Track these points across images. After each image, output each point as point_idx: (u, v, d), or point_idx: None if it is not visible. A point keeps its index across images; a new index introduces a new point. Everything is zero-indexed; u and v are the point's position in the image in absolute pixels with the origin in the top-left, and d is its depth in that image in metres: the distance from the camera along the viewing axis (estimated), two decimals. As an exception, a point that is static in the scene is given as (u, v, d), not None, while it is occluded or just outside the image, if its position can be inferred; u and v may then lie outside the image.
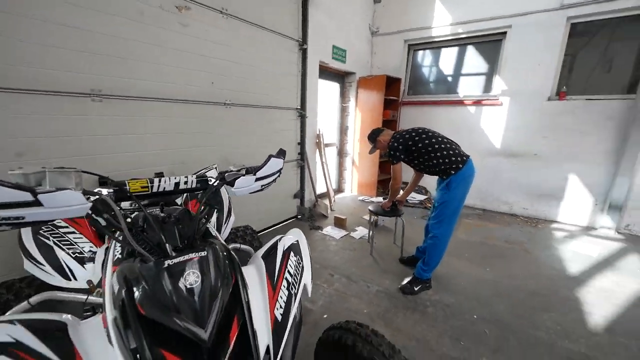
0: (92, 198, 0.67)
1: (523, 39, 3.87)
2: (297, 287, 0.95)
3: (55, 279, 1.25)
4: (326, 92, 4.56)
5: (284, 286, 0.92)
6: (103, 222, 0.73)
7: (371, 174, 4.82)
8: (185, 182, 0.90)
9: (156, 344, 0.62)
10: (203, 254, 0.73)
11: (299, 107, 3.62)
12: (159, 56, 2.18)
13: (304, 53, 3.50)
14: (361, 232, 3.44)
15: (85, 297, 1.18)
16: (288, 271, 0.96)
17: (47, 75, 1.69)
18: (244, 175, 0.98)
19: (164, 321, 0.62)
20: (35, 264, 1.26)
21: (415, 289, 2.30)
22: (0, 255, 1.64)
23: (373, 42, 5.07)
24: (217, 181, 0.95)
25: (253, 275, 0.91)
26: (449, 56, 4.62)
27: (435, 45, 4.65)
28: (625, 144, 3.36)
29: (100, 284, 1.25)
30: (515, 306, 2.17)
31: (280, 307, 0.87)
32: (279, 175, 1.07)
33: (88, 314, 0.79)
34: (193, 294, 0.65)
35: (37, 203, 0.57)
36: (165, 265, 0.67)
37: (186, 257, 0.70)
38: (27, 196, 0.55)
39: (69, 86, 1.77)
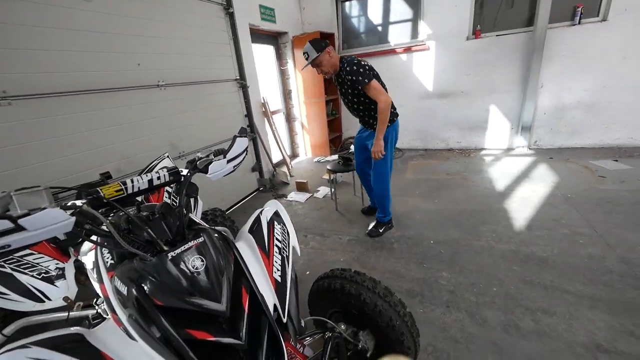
0: (71, 211, 0.64)
1: (440, -19, 4.03)
2: (287, 250, 1.06)
3: (26, 305, 1.18)
4: (263, 57, 4.33)
5: (276, 252, 1.01)
6: (94, 237, 0.71)
7: (322, 134, 4.92)
8: (159, 178, 0.90)
9: (180, 326, 0.66)
10: (200, 239, 0.76)
11: (239, 77, 3.43)
12: (68, 42, 1.87)
13: (231, 17, 3.23)
14: (323, 191, 3.61)
15: (65, 314, 1.15)
16: (276, 238, 1.04)
17: None
18: (213, 160, 1.00)
19: (182, 305, 0.66)
20: None
21: (380, 230, 2.58)
22: None
23: (299, -4, 4.82)
24: (190, 171, 0.96)
25: (245, 249, 0.98)
26: (376, 5, 4.64)
27: (362, -6, 4.61)
28: (529, 72, 3.91)
29: (81, 297, 1.22)
30: (461, 225, 2.60)
31: (277, 270, 0.96)
32: (246, 154, 1.10)
33: (96, 321, 0.79)
34: (202, 275, 0.70)
35: (19, 228, 0.54)
36: (169, 257, 0.70)
37: (186, 246, 0.73)
38: (7, 224, 0.52)
39: None
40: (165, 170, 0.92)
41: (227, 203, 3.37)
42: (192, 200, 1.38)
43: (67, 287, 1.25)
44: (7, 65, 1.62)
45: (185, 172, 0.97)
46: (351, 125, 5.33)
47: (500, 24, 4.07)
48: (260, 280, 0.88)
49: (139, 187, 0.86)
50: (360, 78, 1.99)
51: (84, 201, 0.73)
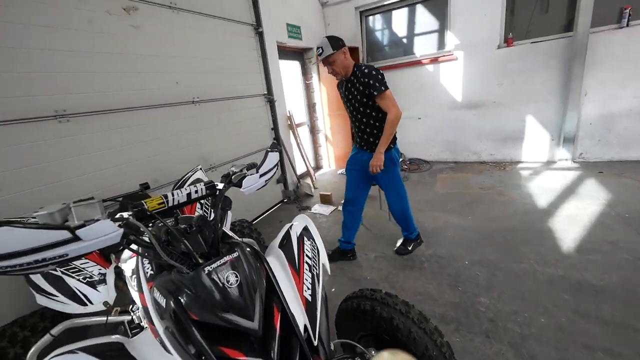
0: (119, 223, 0.69)
1: (469, -10, 3.95)
2: (317, 267, 1.03)
3: (71, 307, 1.27)
4: (289, 72, 4.43)
5: (306, 269, 0.98)
6: (134, 246, 0.75)
7: (346, 146, 4.88)
8: (196, 192, 0.93)
9: (213, 343, 0.67)
10: (235, 254, 0.78)
11: (266, 92, 3.51)
12: (116, 64, 2.02)
13: (260, 36, 3.34)
14: (348, 205, 3.53)
15: (104, 318, 1.19)
16: (306, 255, 1.02)
17: (3, 105, 1.53)
18: (246, 174, 1.02)
19: (216, 321, 0.67)
20: (47, 297, 1.28)
21: (409, 248, 2.45)
22: (2, 299, 1.54)
23: (325, 14, 4.93)
24: (225, 185, 0.99)
25: (276, 264, 0.96)
26: (400, 18, 4.62)
27: (386, 9, 4.62)
28: (570, 80, 3.65)
29: (119, 302, 1.26)
30: (499, 245, 2.40)
31: (308, 288, 0.94)
32: (277, 168, 1.11)
33: (135, 331, 0.82)
34: (236, 292, 0.71)
35: (76, 238, 0.59)
36: (206, 271, 0.71)
37: (221, 261, 0.75)
38: (66, 234, 0.58)
39: (30, 111, 1.62)
40: (202, 184, 0.95)
41: (253, 214, 3.39)
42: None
43: (107, 292, 1.32)
44: (67, 87, 1.77)
45: (220, 186, 0.99)
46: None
47: (534, 30, 3.88)
48: (291, 299, 0.87)
49: (178, 200, 0.89)
50: (377, 84, 1.88)
51: (130, 213, 0.78)
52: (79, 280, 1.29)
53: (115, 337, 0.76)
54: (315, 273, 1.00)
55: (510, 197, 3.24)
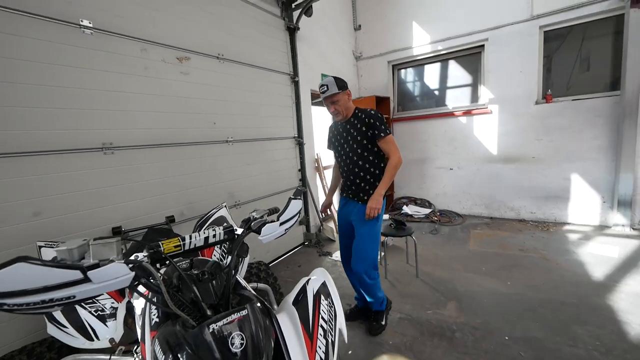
0: (131, 265, 0.69)
1: (501, 49, 4.02)
2: (333, 333, 0.92)
3: (78, 341, 1.23)
4: (320, 117, 4.62)
5: (320, 334, 0.89)
6: (142, 289, 0.74)
7: (373, 194, 4.78)
8: (214, 236, 0.91)
9: None
10: (244, 313, 0.72)
11: (297, 135, 3.64)
12: (161, 104, 2.22)
13: (296, 85, 3.58)
14: (372, 255, 3.33)
15: (108, 357, 1.15)
16: (322, 317, 0.93)
17: (57, 136, 1.69)
18: (267, 221, 0.99)
19: None
20: (58, 327, 1.26)
21: (384, 322, 2.11)
22: (16, 323, 1.55)
23: (358, 66, 5.24)
24: (244, 231, 0.96)
25: (287, 324, 0.87)
26: (432, 72, 4.77)
27: (418, 63, 4.81)
28: (621, 140, 3.40)
29: (126, 340, 1.20)
30: (546, 321, 2.06)
31: (320, 358, 0.84)
32: (299, 217, 1.07)
33: None
34: (240, 357, 0.66)
35: (86, 279, 0.59)
36: (210, 330, 0.66)
37: (229, 319, 0.70)
38: (77, 274, 0.58)
39: (81, 143, 1.79)
40: (221, 228, 0.93)
41: (271, 255, 3.30)
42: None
43: (115, 329, 1.28)
44: (116, 123, 1.95)
45: (239, 231, 0.96)
46: (405, 183, 5.14)
47: (575, 87, 3.77)
48: None
49: (195, 244, 0.88)
50: (383, 126, 1.80)
51: (145, 254, 0.78)
52: (90, 312, 1.27)
53: None
54: (330, 340, 0.90)
55: (556, 264, 2.87)
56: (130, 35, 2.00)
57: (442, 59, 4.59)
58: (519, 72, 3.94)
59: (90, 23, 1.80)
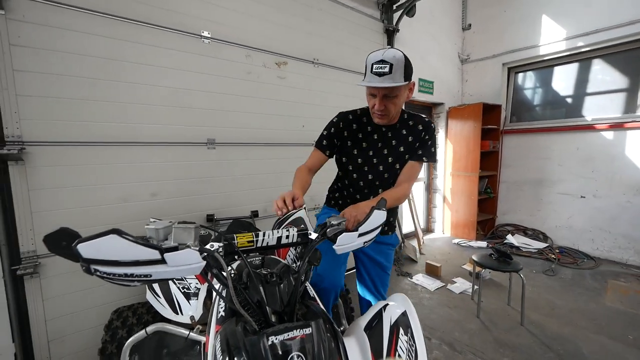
0: (204, 254, 0.70)
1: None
2: None
3: (167, 311, 1.35)
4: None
5: None
6: (213, 280, 0.76)
7: (469, 213, 4.15)
8: (287, 237, 0.86)
9: None
10: (307, 331, 0.66)
11: (384, 143, 3.46)
12: (259, 106, 2.41)
13: (390, 89, 3.41)
14: (461, 285, 2.85)
15: (187, 332, 1.23)
16: (399, 355, 0.77)
17: (176, 130, 2.02)
18: (344, 229, 0.90)
19: None
20: (154, 295, 1.41)
21: None
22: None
23: (463, 70, 4.68)
24: (319, 236, 0.88)
25: (356, 353, 0.76)
26: (565, 75, 3.84)
27: (545, 64, 3.96)
28: None
29: (201, 320, 1.30)
30: None
31: None
32: (381, 230, 0.93)
33: None
34: None
35: (162, 261, 0.62)
36: (269, 342, 0.62)
37: (290, 334, 0.64)
38: (156, 254, 0.61)
39: (191, 137, 2.09)
40: (295, 230, 0.88)
41: (347, 266, 3.18)
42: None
43: (195, 308, 1.36)
44: (218, 121, 2.21)
45: (313, 236, 0.88)
46: (511, 208, 4.30)
47: None
48: None
49: (267, 242, 0.85)
50: (434, 149, 1.32)
51: (220, 245, 0.78)
52: (178, 288, 1.40)
53: None
54: None
55: None
56: (238, 42, 2.25)
57: (582, 58, 3.65)
58: None
59: (209, 34, 2.09)
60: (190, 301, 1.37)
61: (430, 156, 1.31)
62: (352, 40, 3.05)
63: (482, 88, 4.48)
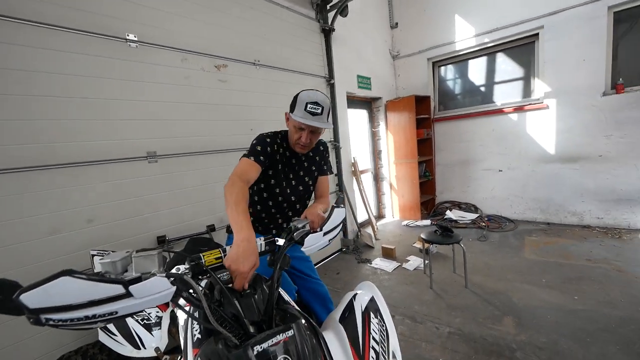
0: (172, 279, 0.67)
1: (559, 37, 3.62)
2: (386, 356, 0.82)
3: (126, 349, 1.25)
4: (355, 120, 4.54)
5: (372, 357, 0.80)
6: (183, 302, 0.72)
7: (413, 196, 4.57)
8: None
9: None
10: (290, 333, 0.67)
11: (332, 140, 3.60)
12: (201, 112, 2.29)
13: (332, 87, 3.54)
14: (414, 262, 3.16)
15: None
16: (373, 337, 0.84)
17: (107, 146, 1.81)
18: (309, 231, 0.94)
19: None
20: (108, 335, 1.29)
21: None
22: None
23: (395, 65, 5.07)
24: (286, 242, 0.91)
25: (336, 345, 0.80)
26: (477, 67, 4.45)
27: (461, 59, 4.52)
28: None
29: (168, 349, 1.22)
30: (628, 344, 1.77)
31: None
32: (343, 226, 1.00)
33: None
34: None
35: (127, 294, 0.58)
36: (255, 352, 0.62)
37: (274, 340, 0.65)
38: (119, 289, 0.57)
39: (127, 152, 1.89)
40: (262, 238, 0.89)
41: (309, 261, 3.26)
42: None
43: (160, 337, 1.29)
44: (157, 132, 2.04)
45: (281, 242, 0.91)
46: (446, 187, 4.84)
47: (653, 75, 3.27)
48: None
49: None
50: (330, 163, 1.57)
51: (187, 267, 0.75)
52: (137, 321, 1.30)
53: None
54: None
55: (635, 277, 2.48)
56: (172, 46, 2.10)
57: (489, 52, 4.26)
58: (582, 60, 3.52)
59: (135, 37, 1.92)
60: (152, 332, 1.29)
61: (330, 168, 1.56)
62: (291, 40, 3.08)
63: (412, 81, 4.92)
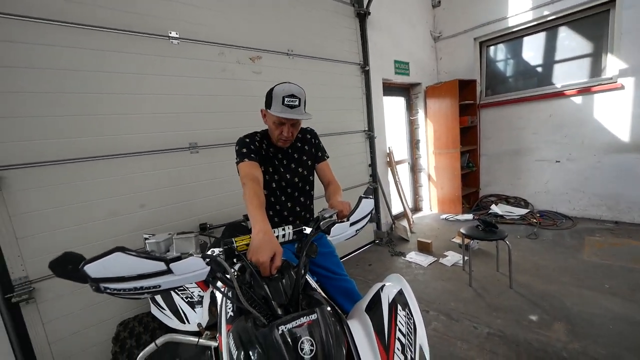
0: (208, 260, 0.73)
1: (642, 2, 3.06)
2: (412, 349, 0.81)
3: (173, 322, 1.39)
4: (392, 108, 4.37)
5: (398, 349, 0.79)
6: (220, 284, 0.77)
7: (453, 189, 4.30)
8: (284, 235, 0.92)
9: None
10: (313, 317, 0.70)
11: (367, 129, 3.50)
12: (237, 104, 2.37)
13: (366, 74, 3.43)
14: (452, 257, 3.00)
15: (196, 339, 1.28)
16: (399, 329, 0.83)
17: (153, 139, 1.97)
18: (336, 221, 0.96)
19: None
20: (158, 309, 1.44)
21: None
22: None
23: (437, 48, 4.74)
24: (313, 230, 0.94)
25: (360, 333, 0.80)
26: (533, 45, 3.96)
27: (514, 36, 4.06)
28: None
29: (209, 325, 1.32)
30: None
31: None
32: (370, 217, 0.99)
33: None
34: None
35: (169, 271, 0.66)
36: (279, 331, 0.66)
37: (298, 322, 0.68)
38: (162, 265, 0.65)
39: (171, 144, 2.04)
40: (290, 227, 0.94)
41: (341, 252, 3.27)
42: None
43: (201, 315, 1.41)
44: (196, 124, 2.16)
45: (308, 231, 0.95)
46: (493, 179, 4.47)
47: None
48: None
49: None
50: (324, 147, 1.55)
51: (220, 250, 0.81)
52: (182, 298, 1.43)
53: None
54: (410, 357, 0.79)
55: None
56: (210, 40, 2.19)
57: (549, 26, 3.76)
58: (669, 29, 2.95)
59: (177, 34, 2.03)
60: (195, 309, 1.40)
61: (325, 153, 1.55)
62: (325, 27, 3.02)
63: (456, 64, 4.56)
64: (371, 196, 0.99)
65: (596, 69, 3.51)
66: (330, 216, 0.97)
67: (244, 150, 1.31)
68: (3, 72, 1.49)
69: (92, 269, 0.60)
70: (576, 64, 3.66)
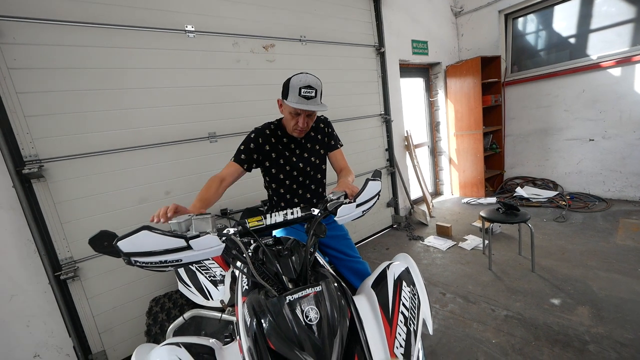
0: (224, 238, 0.81)
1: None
2: (415, 322, 0.86)
3: (198, 298, 1.53)
4: (410, 90, 4.24)
5: (401, 321, 0.84)
6: (239, 264, 0.86)
7: (476, 171, 4.16)
8: (292, 214, 1.00)
9: None
10: (318, 288, 0.76)
11: (383, 112, 3.44)
12: (252, 93, 2.42)
13: (382, 56, 3.34)
14: (472, 241, 2.95)
15: (219, 314, 1.39)
16: (403, 304, 0.87)
17: (176, 129, 2.08)
18: (343, 202, 1.00)
19: (290, 357, 0.65)
20: (185, 286, 1.59)
21: None
22: (161, 278, 2.06)
23: (458, 24, 4.49)
24: (321, 211, 0.99)
25: (365, 307, 0.86)
26: (566, 13, 3.64)
27: (544, 5, 3.75)
28: None
29: (230, 302, 1.44)
30: None
31: (400, 345, 0.79)
32: (378, 198, 1.04)
33: (227, 340, 0.93)
34: (314, 330, 0.69)
35: (188, 247, 0.73)
36: (287, 301, 0.73)
37: (303, 292, 0.75)
38: (182, 242, 0.73)
39: (190, 134, 2.14)
40: (298, 209, 1.01)
41: (358, 236, 3.32)
42: None
43: (223, 292, 1.53)
44: (214, 114, 2.24)
45: (316, 212, 1.00)
46: (519, 161, 4.27)
47: None
48: (378, 352, 0.75)
49: (275, 221, 0.98)
50: (337, 135, 1.58)
51: (235, 229, 0.90)
52: (205, 277, 1.56)
53: (211, 341, 0.84)
54: (412, 329, 0.83)
55: None
56: (224, 32, 2.23)
57: (583, -8, 3.45)
58: None
59: (193, 27, 2.09)
60: (218, 287, 1.53)
61: (338, 139, 1.59)
62: (337, 9, 2.96)
63: (479, 40, 4.31)
64: (379, 178, 1.02)
65: (638, 37, 3.19)
66: (338, 198, 1.02)
67: (241, 147, 1.41)
68: (37, 73, 1.63)
69: (124, 245, 0.69)
70: (615, 31, 3.34)
